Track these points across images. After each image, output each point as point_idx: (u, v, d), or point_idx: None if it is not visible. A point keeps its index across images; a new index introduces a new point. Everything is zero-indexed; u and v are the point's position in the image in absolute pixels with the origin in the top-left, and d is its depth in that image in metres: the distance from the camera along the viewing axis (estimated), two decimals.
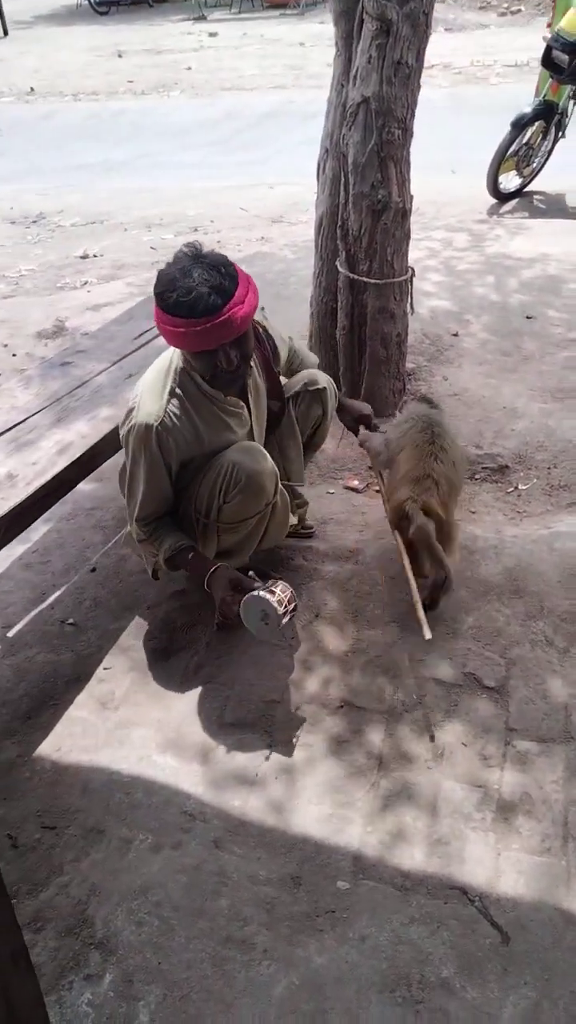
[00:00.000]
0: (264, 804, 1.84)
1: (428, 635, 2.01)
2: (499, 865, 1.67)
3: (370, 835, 1.76)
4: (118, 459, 2.43)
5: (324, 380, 2.39)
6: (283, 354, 2.35)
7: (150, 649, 2.29)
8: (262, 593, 1.88)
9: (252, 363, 2.10)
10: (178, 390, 1.98)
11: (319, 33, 12.43)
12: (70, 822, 1.82)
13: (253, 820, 1.81)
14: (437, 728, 1.97)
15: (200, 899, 1.65)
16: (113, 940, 1.58)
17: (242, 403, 2.11)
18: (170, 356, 2.03)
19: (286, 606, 1.89)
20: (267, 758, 1.94)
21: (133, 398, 2.02)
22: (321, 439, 2.51)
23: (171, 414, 1.95)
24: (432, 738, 1.94)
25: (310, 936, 1.58)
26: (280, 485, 2.14)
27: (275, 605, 1.87)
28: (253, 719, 2.04)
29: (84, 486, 2.64)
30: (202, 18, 16.77)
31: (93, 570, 2.59)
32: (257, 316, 2.19)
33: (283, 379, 2.36)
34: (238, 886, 1.67)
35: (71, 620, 2.41)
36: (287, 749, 1.95)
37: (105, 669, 2.23)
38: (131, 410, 2.00)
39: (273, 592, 1.89)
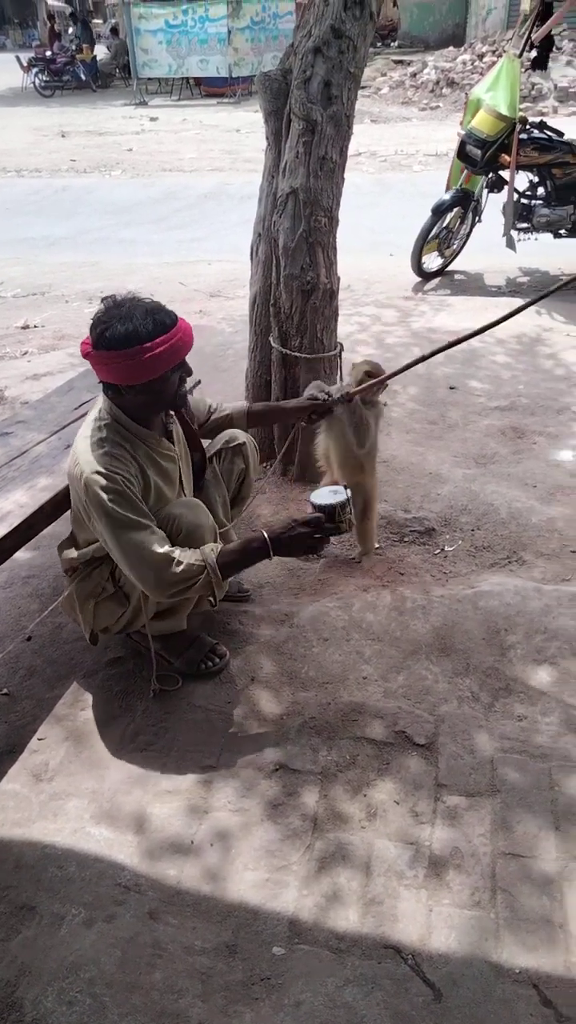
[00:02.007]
0: (200, 872, 1.84)
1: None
2: (431, 921, 1.70)
3: (306, 898, 1.77)
4: (56, 528, 2.47)
5: (243, 436, 2.52)
6: (200, 407, 2.50)
7: (86, 718, 2.28)
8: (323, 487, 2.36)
9: (170, 413, 2.21)
10: (112, 436, 2.03)
11: (254, 120, 13.13)
12: (0, 900, 1.78)
13: (189, 889, 1.80)
14: (370, 787, 2.01)
15: (134, 973, 1.62)
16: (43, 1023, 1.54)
17: (172, 446, 2.19)
18: (95, 414, 2.08)
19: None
20: (202, 825, 1.94)
21: (72, 465, 2.07)
22: (247, 492, 2.60)
23: (113, 455, 2.00)
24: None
25: (245, 1005, 1.57)
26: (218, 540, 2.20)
27: (336, 486, 2.30)
28: (189, 785, 2.04)
29: (21, 554, 2.65)
30: (143, 103, 17.56)
31: (28, 639, 2.58)
32: None
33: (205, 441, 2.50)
34: (173, 957, 1.65)
35: (5, 690, 2.38)
36: (223, 815, 1.96)
37: (39, 739, 2.20)
38: (79, 473, 2.02)
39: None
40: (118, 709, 2.29)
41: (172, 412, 2.22)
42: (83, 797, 2.03)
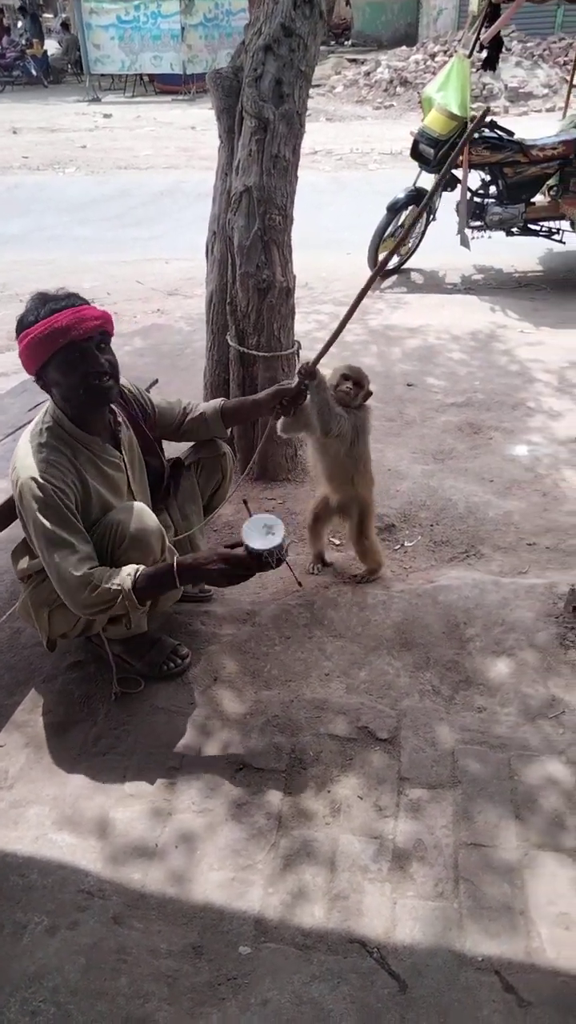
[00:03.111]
0: (164, 875, 1.83)
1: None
2: (396, 914, 1.72)
3: (271, 897, 1.77)
4: (11, 532, 2.43)
5: (225, 447, 2.51)
6: (167, 409, 2.41)
7: (46, 723, 2.25)
8: (256, 515, 2.00)
9: (120, 418, 2.19)
10: (52, 441, 2.01)
11: (209, 118, 13.02)
12: None
13: (153, 892, 1.79)
14: (333, 783, 2.02)
15: (99, 980, 1.61)
16: None
17: (118, 453, 2.16)
18: (39, 416, 2.08)
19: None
20: (166, 827, 1.93)
21: (12, 466, 2.05)
22: (218, 502, 2.59)
23: (50, 462, 1.98)
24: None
25: (212, 1006, 1.57)
26: (169, 545, 2.18)
27: (272, 515, 1.98)
28: (153, 788, 2.03)
29: None
30: (96, 100, 17.34)
31: None
32: (123, 383, 2.26)
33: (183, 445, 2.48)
34: (138, 962, 1.64)
35: None
36: (187, 817, 1.95)
37: None
38: (16, 478, 2.01)
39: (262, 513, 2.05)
40: (79, 714, 2.26)
41: (122, 419, 2.19)
42: (44, 804, 2.00)
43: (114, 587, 1.93)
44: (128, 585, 1.93)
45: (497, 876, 1.79)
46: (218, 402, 2.49)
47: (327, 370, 2.46)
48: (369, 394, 2.53)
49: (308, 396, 2.37)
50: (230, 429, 2.63)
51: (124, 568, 1.97)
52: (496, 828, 1.89)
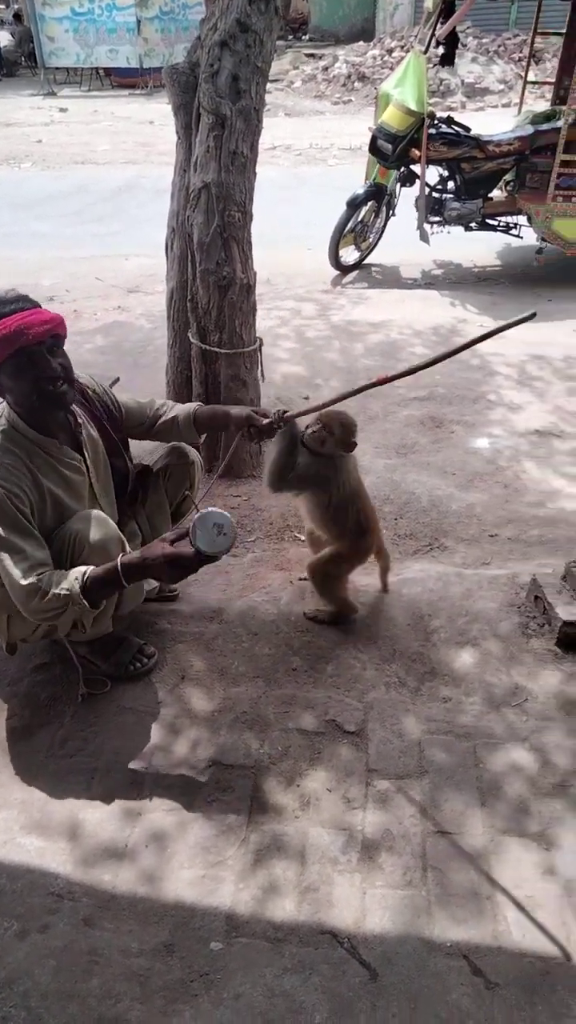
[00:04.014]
0: (135, 875, 1.82)
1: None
2: (365, 904, 1.74)
3: (242, 892, 1.78)
4: None
5: (193, 454, 2.47)
6: (136, 409, 2.37)
7: (11, 727, 2.22)
8: (206, 509, 1.88)
9: (82, 419, 2.15)
10: (6, 444, 1.97)
11: (168, 112, 12.92)
12: None
13: (124, 893, 1.79)
14: (302, 777, 2.03)
15: (70, 982, 1.60)
16: None
17: (78, 456, 2.13)
18: None
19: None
20: (136, 827, 1.92)
21: None
22: (185, 509, 2.58)
23: (3, 465, 1.94)
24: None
25: (184, 1003, 1.57)
26: (129, 549, 2.16)
27: (222, 511, 1.87)
28: (121, 789, 2.02)
29: None
30: (52, 94, 17.06)
31: None
32: (84, 379, 2.24)
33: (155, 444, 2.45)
34: (110, 962, 1.64)
35: None
36: (157, 816, 1.95)
37: None
38: None
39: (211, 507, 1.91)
40: (45, 716, 2.24)
41: (83, 420, 2.16)
42: (12, 808, 1.98)
43: (62, 592, 1.88)
44: (76, 589, 1.89)
45: (464, 863, 1.82)
46: (192, 407, 2.41)
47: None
48: (350, 445, 2.31)
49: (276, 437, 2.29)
50: (203, 436, 2.56)
51: (72, 571, 1.92)
52: (463, 816, 1.92)
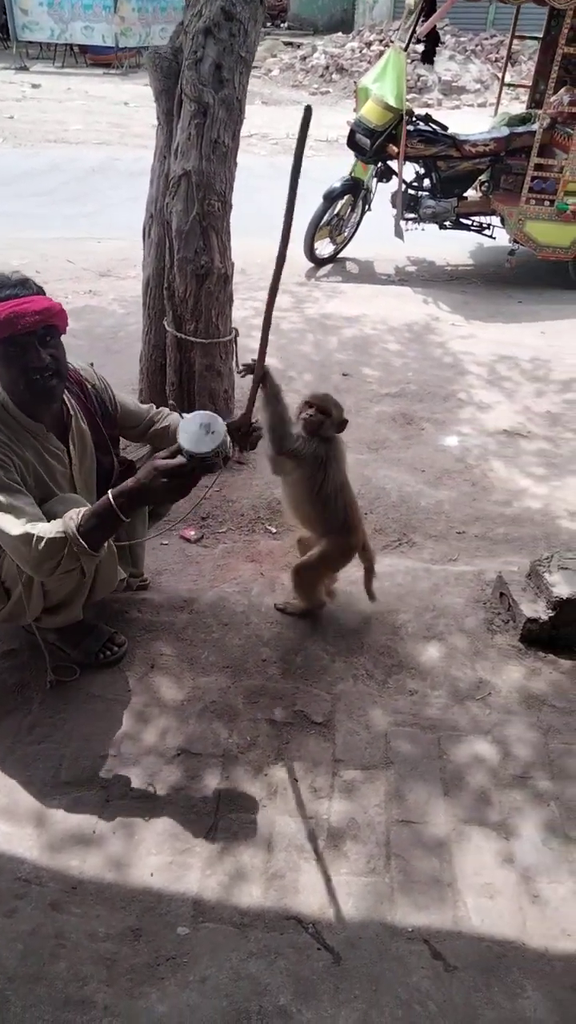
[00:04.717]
0: (103, 861, 1.84)
1: None
2: (330, 890, 1.78)
3: (209, 878, 1.81)
4: None
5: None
6: (134, 413, 2.36)
7: None
8: (190, 414, 1.78)
9: (74, 410, 2.14)
10: None
11: (143, 94, 12.76)
12: None
13: (92, 878, 1.80)
14: (270, 767, 2.06)
15: (37, 965, 1.61)
16: None
17: (62, 445, 2.12)
18: None
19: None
20: (104, 813, 1.93)
21: None
22: (166, 510, 2.57)
23: None
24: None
25: (151, 986, 1.59)
26: (111, 544, 2.15)
27: (209, 412, 1.77)
28: (89, 776, 2.03)
29: None
30: (24, 68, 16.69)
31: None
32: (85, 373, 2.24)
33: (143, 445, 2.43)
34: (77, 946, 1.65)
35: None
36: (125, 803, 1.96)
37: None
38: None
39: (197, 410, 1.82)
40: (13, 702, 2.23)
41: (75, 412, 2.14)
42: None
43: (58, 535, 1.82)
44: (72, 528, 1.83)
45: (426, 851, 1.87)
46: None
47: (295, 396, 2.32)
48: (342, 423, 2.33)
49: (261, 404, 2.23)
50: None
51: (65, 515, 1.87)
52: (426, 805, 1.97)
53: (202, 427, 1.75)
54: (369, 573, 2.51)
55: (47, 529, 1.85)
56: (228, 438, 1.79)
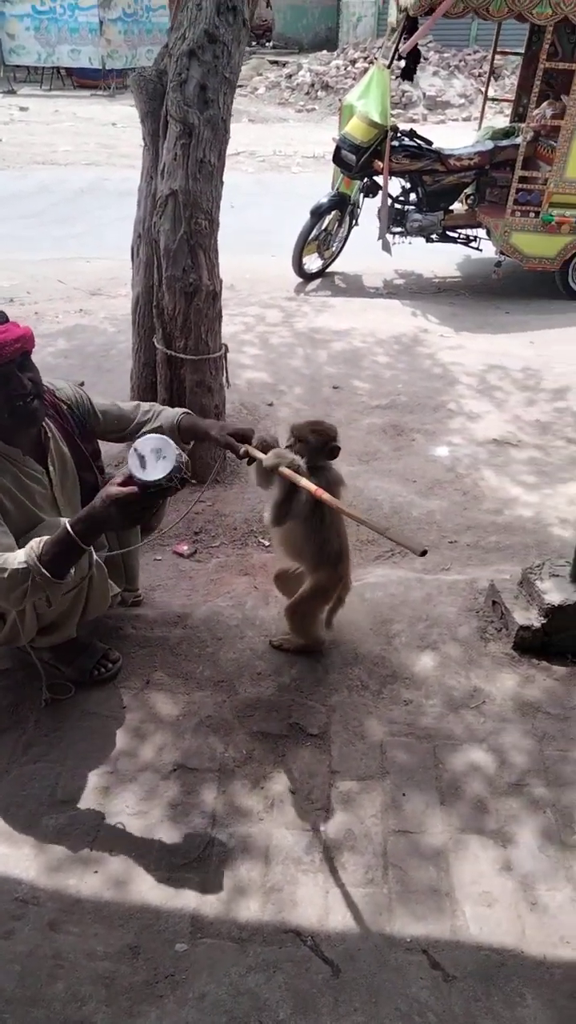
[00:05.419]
0: (100, 879, 1.83)
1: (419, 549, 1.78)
2: (328, 902, 1.78)
3: (207, 893, 1.80)
4: None
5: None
6: (118, 416, 2.34)
7: None
8: (141, 439, 1.74)
9: (52, 433, 2.14)
10: None
11: (130, 115, 12.87)
12: None
13: (89, 897, 1.79)
14: (266, 780, 2.06)
15: (35, 986, 1.60)
16: None
17: (41, 468, 2.12)
18: None
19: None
20: (101, 831, 1.93)
21: None
22: (157, 521, 2.57)
23: None
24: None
25: (150, 1004, 1.59)
26: (97, 559, 2.16)
27: (160, 436, 1.74)
28: (86, 794, 2.02)
29: None
30: (11, 92, 16.84)
31: None
32: (60, 393, 2.23)
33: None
34: (75, 966, 1.64)
35: None
36: (122, 820, 1.96)
37: None
38: None
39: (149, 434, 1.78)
40: (8, 722, 2.23)
41: (52, 434, 2.14)
42: None
43: (20, 566, 1.80)
44: (34, 558, 1.80)
45: (424, 861, 1.87)
46: (175, 417, 2.34)
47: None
48: (332, 450, 2.18)
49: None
50: (190, 443, 2.40)
51: (28, 544, 1.84)
52: (423, 815, 1.97)
53: (153, 452, 1.71)
54: (338, 603, 2.41)
55: (11, 559, 1.83)
56: (184, 460, 1.76)
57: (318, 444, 2.15)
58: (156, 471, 1.71)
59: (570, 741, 2.17)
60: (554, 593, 2.43)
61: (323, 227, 6.28)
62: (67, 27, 16.65)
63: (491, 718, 2.25)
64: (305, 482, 1.94)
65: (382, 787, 2.04)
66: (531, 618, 2.44)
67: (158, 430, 2.33)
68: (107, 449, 2.52)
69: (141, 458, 1.72)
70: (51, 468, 2.14)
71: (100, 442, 2.38)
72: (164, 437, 1.76)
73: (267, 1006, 1.58)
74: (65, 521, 1.84)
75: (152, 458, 1.71)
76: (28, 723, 2.22)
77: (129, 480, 1.75)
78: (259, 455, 2.07)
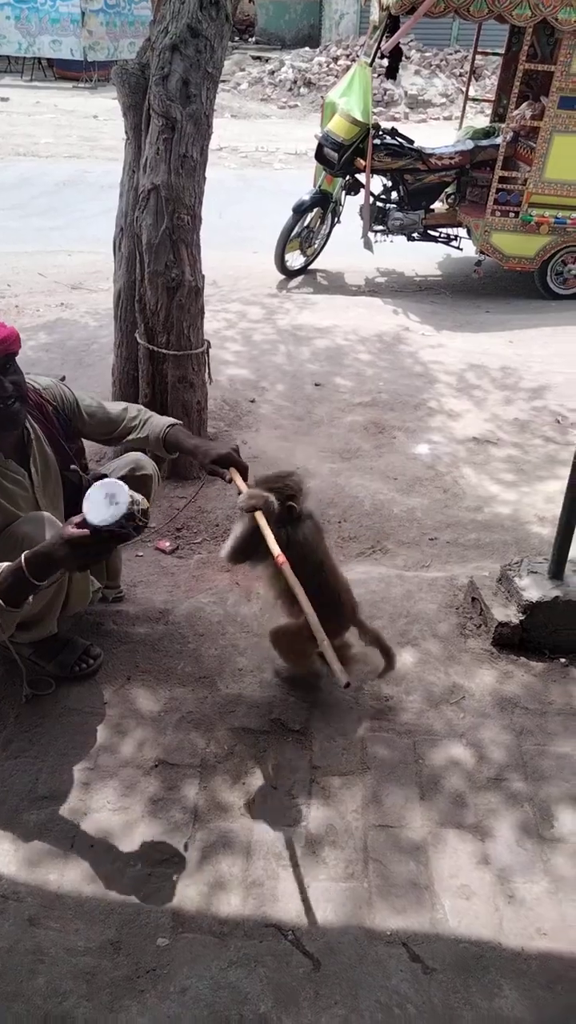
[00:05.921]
0: (81, 874, 1.83)
1: (344, 680, 1.72)
2: (309, 897, 1.79)
3: (188, 888, 1.81)
4: None
5: (150, 467, 2.39)
6: (106, 421, 2.32)
7: None
8: (98, 482, 1.72)
9: (35, 434, 2.13)
10: None
11: (112, 108, 12.78)
12: None
13: (70, 892, 1.79)
14: (248, 775, 2.07)
15: (15, 982, 1.60)
16: None
17: (23, 471, 2.10)
18: None
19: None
20: (82, 827, 1.93)
21: None
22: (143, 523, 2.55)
23: None
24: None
25: (132, 999, 1.59)
26: None
27: (115, 480, 1.72)
28: (67, 789, 2.02)
29: None
30: None
31: None
32: (46, 392, 2.22)
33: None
34: (56, 960, 1.64)
35: None
36: (103, 816, 1.96)
37: None
38: None
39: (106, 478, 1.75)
40: None
41: (34, 436, 2.12)
42: None
43: None
44: None
45: (404, 855, 1.89)
46: (162, 429, 2.30)
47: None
48: (287, 508, 2.04)
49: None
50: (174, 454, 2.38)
51: None
52: (403, 809, 1.99)
53: (107, 497, 1.69)
54: (387, 660, 2.26)
55: None
56: (141, 508, 1.73)
57: (280, 499, 2.03)
58: (107, 516, 1.68)
59: (548, 736, 2.21)
60: (532, 590, 2.46)
61: (305, 224, 6.28)
62: (48, 17, 16.48)
63: (470, 713, 2.27)
64: (272, 543, 1.87)
65: (363, 782, 2.06)
66: (510, 614, 2.47)
67: (143, 440, 2.33)
68: (91, 445, 2.50)
69: (94, 502, 1.69)
70: (33, 470, 2.12)
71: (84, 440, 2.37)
72: (118, 482, 1.72)
73: (248, 1000, 1.59)
74: (23, 556, 1.77)
75: (105, 503, 1.68)
76: (8, 719, 2.21)
77: (83, 523, 1.72)
78: (241, 486, 2.06)
